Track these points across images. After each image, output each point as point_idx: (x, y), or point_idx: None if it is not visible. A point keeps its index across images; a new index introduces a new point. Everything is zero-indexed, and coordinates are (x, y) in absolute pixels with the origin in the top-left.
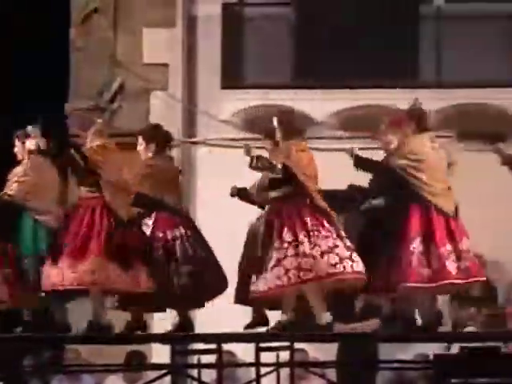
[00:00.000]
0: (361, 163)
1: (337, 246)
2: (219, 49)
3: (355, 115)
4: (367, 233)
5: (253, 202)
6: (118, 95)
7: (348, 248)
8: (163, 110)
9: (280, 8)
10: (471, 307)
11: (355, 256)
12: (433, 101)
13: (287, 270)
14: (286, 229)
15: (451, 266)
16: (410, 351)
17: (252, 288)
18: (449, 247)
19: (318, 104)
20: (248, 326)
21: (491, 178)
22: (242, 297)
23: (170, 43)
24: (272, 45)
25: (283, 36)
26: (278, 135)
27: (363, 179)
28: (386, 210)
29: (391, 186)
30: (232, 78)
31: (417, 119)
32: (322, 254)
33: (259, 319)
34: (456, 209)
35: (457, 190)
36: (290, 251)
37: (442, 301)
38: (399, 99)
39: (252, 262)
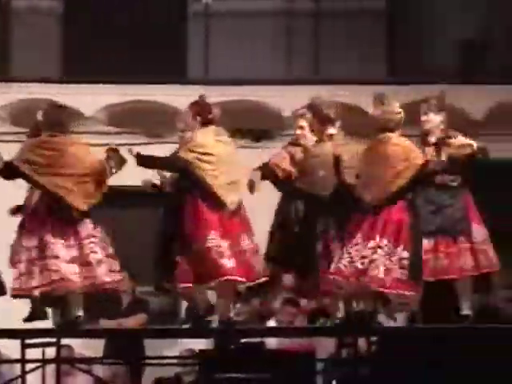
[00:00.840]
0: (144, 161)
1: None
2: None
3: (123, 110)
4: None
5: None
6: None
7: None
8: None
9: (48, 1)
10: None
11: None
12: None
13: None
14: None
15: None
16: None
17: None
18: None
19: (87, 98)
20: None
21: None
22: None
23: None
24: (40, 38)
25: (51, 29)
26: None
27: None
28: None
29: (178, 179)
30: None
31: (200, 113)
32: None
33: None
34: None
35: None
36: None
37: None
38: (168, 95)
39: None
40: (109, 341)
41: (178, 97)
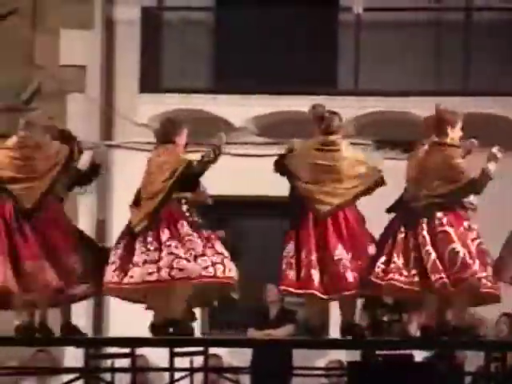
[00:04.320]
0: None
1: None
2: (138, 52)
3: (273, 121)
4: None
5: None
6: (35, 96)
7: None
8: (80, 112)
9: (200, 13)
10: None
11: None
12: (350, 109)
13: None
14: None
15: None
16: (325, 358)
17: None
18: None
19: (237, 109)
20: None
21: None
22: None
23: (88, 45)
24: (191, 49)
25: (203, 40)
26: None
27: (283, 185)
28: None
29: None
30: (150, 82)
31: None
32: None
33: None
34: None
35: (374, 198)
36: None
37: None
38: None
39: None
40: (257, 351)
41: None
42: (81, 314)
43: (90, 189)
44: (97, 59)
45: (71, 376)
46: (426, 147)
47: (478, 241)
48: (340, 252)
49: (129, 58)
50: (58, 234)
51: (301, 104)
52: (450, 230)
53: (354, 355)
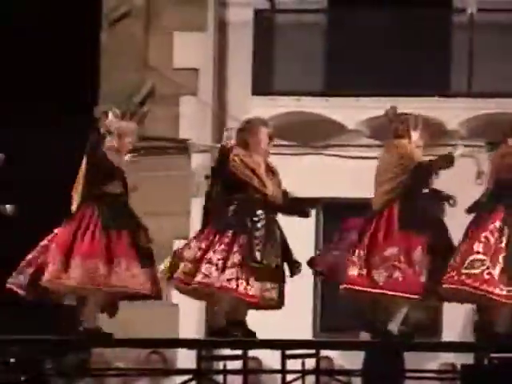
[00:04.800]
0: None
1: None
2: (250, 54)
3: (386, 123)
4: None
5: None
6: (148, 99)
7: None
8: (193, 114)
9: (312, 15)
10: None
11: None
12: (464, 110)
13: None
14: None
15: None
16: (436, 360)
17: None
18: None
19: (350, 111)
20: None
21: None
22: None
23: (201, 48)
24: (304, 51)
25: (315, 42)
26: None
27: None
28: None
29: None
30: (263, 84)
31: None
32: None
33: None
34: None
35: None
36: None
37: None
38: (430, 108)
39: None
40: (369, 353)
41: (441, 110)
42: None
43: None
44: (209, 62)
45: (184, 378)
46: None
47: None
48: None
49: (241, 61)
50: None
51: (414, 106)
52: None
53: (468, 358)
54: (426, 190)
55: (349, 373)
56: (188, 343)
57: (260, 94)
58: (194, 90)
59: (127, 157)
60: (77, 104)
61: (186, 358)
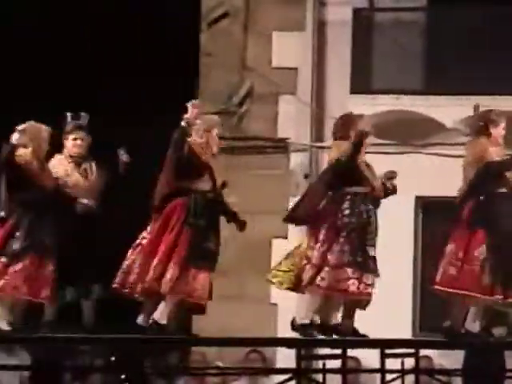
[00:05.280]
0: None
1: None
2: (349, 53)
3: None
4: None
5: None
6: (247, 99)
7: None
8: (292, 114)
9: (411, 13)
10: None
11: None
12: None
13: None
14: None
15: None
16: None
17: None
18: None
19: (449, 110)
20: None
21: None
22: None
23: (300, 47)
24: (403, 50)
25: (414, 41)
26: None
27: None
28: None
29: None
30: (361, 83)
31: None
32: None
33: None
34: None
35: None
36: None
37: None
38: None
39: None
40: (469, 353)
41: None
42: None
43: None
44: (308, 61)
45: (283, 377)
46: None
47: None
48: None
49: (340, 60)
50: None
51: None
52: None
53: None
54: (503, 190)
55: (449, 372)
56: (288, 342)
57: (359, 92)
58: (293, 89)
59: (215, 150)
60: (177, 105)
61: (284, 357)
